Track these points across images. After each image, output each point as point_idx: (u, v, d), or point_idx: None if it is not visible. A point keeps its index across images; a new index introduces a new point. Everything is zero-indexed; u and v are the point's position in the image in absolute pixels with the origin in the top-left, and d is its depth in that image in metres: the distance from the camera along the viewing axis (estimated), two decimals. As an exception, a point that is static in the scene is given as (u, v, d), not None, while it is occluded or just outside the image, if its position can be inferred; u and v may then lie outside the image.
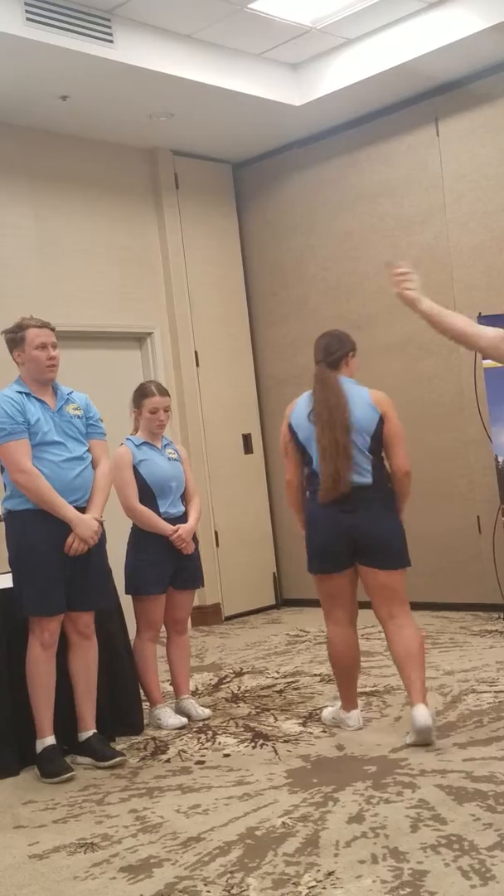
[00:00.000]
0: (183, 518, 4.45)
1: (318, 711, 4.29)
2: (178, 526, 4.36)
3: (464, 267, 6.24)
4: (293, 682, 4.82)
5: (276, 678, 5.03)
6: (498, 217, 6.05)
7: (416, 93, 6.30)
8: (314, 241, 7.05)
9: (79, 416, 3.98)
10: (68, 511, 3.82)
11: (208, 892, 2.68)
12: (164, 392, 4.48)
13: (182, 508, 4.47)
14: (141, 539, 4.37)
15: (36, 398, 3.88)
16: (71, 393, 4.02)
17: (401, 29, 5.75)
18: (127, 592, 4.36)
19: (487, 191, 6.10)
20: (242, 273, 7.41)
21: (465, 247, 6.23)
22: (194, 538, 4.47)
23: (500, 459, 5.48)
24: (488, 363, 5.46)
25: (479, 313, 5.62)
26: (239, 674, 5.23)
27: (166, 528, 4.32)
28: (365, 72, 5.97)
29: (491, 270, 6.11)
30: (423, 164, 6.39)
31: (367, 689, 4.52)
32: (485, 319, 5.54)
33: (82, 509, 3.88)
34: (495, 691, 4.30)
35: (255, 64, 6.05)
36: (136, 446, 4.42)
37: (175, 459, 4.49)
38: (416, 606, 6.34)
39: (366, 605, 4.09)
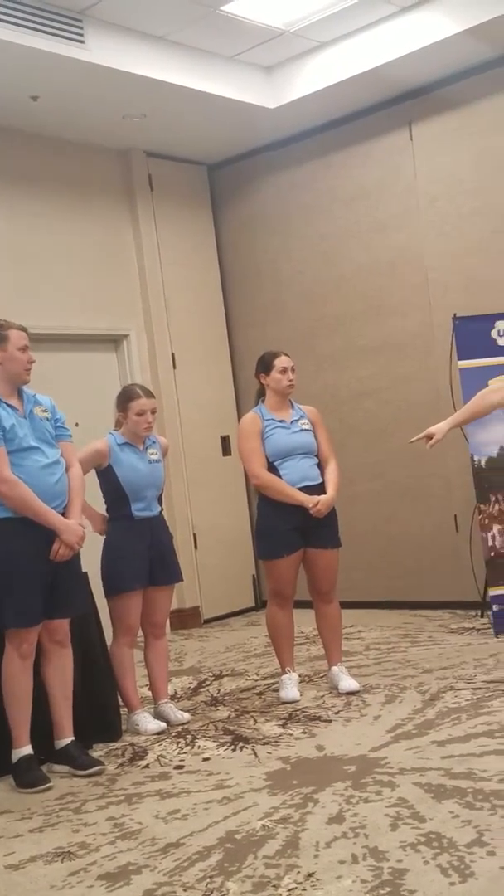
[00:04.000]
0: (159, 517, 4.44)
1: (298, 713, 4.29)
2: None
3: (439, 269, 6.26)
4: (273, 684, 4.81)
5: (256, 680, 5.03)
6: (472, 220, 6.08)
7: (390, 96, 6.31)
8: (290, 244, 7.06)
9: (47, 419, 3.93)
10: (54, 518, 3.78)
11: (188, 896, 2.67)
12: (149, 394, 4.47)
13: (159, 510, 4.45)
14: (112, 537, 4.36)
15: (6, 403, 3.84)
16: (35, 395, 3.98)
17: (374, 33, 5.77)
18: (107, 595, 4.34)
19: (462, 194, 6.12)
20: (219, 275, 7.41)
21: (440, 250, 6.26)
22: (168, 532, 4.49)
23: (476, 459, 5.50)
24: (464, 363, 5.49)
25: (455, 314, 5.65)
26: (218, 677, 5.22)
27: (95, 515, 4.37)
28: (338, 75, 5.98)
29: (466, 273, 6.14)
30: (398, 167, 6.41)
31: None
32: (460, 321, 5.59)
33: (63, 514, 3.86)
34: (473, 688, 4.31)
35: (228, 66, 6.05)
36: (118, 445, 4.39)
37: (156, 461, 4.46)
38: (394, 605, 6.45)
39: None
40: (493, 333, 5.53)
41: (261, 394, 4.70)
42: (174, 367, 6.98)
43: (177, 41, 5.70)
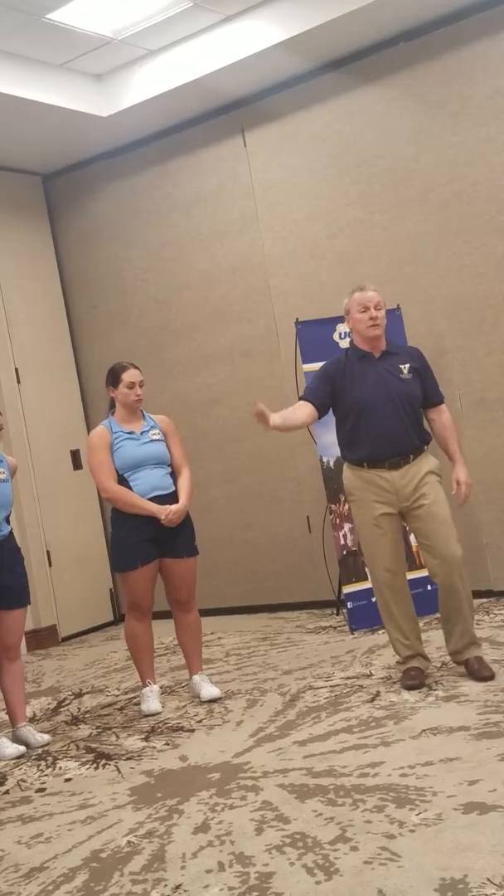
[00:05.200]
0: (9, 537, 4.33)
1: (160, 725, 4.26)
2: None
3: (279, 274, 6.36)
4: (134, 698, 4.76)
5: (117, 695, 4.96)
6: (308, 225, 6.21)
7: (221, 104, 6.37)
8: (131, 253, 7.02)
9: None
10: None
11: (53, 922, 2.61)
12: None
13: (7, 531, 4.33)
14: None
15: None
16: None
17: (200, 41, 5.80)
18: None
19: (296, 199, 6.24)
20: (60, 285, 7.29)
21: (278, 254, 6.36)
22: (18, 554, 4.38)
23: (324, 460, 5.61)
24: (309, 367, 5.59)
25: (297, 319, 5.76)
26: (78, 695, 5.12)
27: None
28: (168, 83, 5.98)
29: (304, 277, 6.26)
30: (233, 174, 6.48)
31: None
32: (302, 325, 5.69)
33: None
34: (331, 686, 4.39)
35: (57, 74, 5.96)
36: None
37: (4, 481, 4.35)
38: (253, 609, 6.51)
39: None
40: (335, 336, 5.66)
41: (113, 404, 4.66)
42: (18, 381, 6.82)
43: (2, 49, 5.57)
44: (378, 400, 4.09)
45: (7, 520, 4.35)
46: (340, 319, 5.65)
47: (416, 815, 2.85)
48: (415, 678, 4.12)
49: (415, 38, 5.70)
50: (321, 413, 4.22)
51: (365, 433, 4.11)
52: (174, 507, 4.45)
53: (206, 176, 6.60)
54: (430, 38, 5.66)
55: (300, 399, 4.25)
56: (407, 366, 4.18)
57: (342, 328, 5.65)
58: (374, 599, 5.39)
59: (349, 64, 5.93)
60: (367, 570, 4.52)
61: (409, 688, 4.09)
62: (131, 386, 4.54)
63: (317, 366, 5.46)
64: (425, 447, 4.19)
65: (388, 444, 4.08)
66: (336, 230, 6.11)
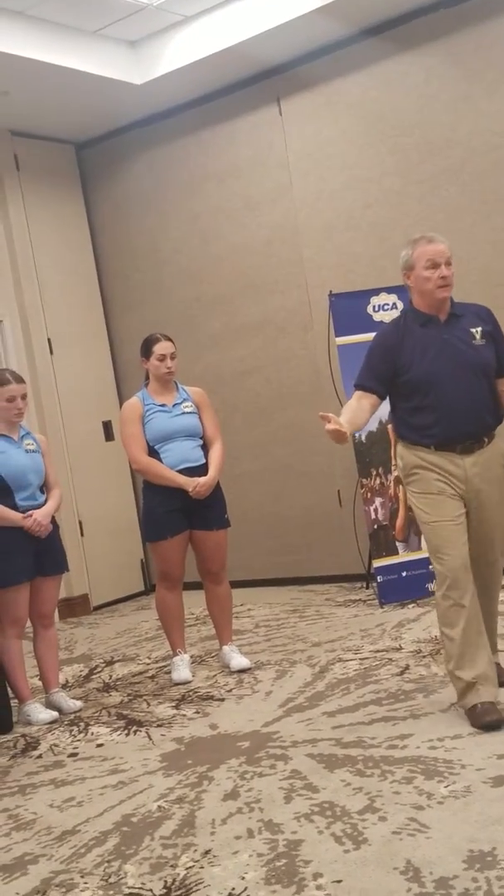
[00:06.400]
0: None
1: (190, 694, 4.30)
2: (30, 512, 4.25)
3: (313, 246, 6.31)
4: (165, 667, 4.81)
5: (148, 664, 5.01)
6: (342, 195, 6.15)
7: (257, 72, 6.31)
8: (165, 223, 7.00)
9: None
10: None
11: (85, 883, 2.65)
12: (19, 379, 4.37)
13: (42, 500, 4.36)
14: None
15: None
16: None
17: (236, 7, 5.74)
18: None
19: (331, 169, 6.18)
20: (93, 256, 7.29)
21: (313, 226, 6.31)
22: (54, 522, 4.40)
23: (356, 435, 5.58)
24: (342, 340, 5.56)
25: (330, 291, 5.72)
26: (110, 663, 5.18)
27: (14, 517, 4.22)
28: (204, 50, 5.93)
29: (338, 249, 6.21)
30: (268, 143, 6.42)
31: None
32: (336, 298, 5.65)
33: None
34: (360, 658, 4.40)
35: (91, 41, 5.93)
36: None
37: (34, 451, 4.38)
38: (283, 582, 6.53)
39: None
40: (369, 309, 5.62)
41: (148, 376, 4.67)
42: (51, 352, 6.84)
43: (36, 16, 5.55)
44: (447, 373, 3.42)
45: (41, 489, 4.39)
46: (374, 292, 5.63)
47: (445, 787, 2.86)
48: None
49: (455, 4, 5.60)
50: (384, 398, 3.58)
51: (432, 414, 3.43)
52: (202, 479, 4.45)
53: (241, 145, 6.55)
54: (470, 5, 5.56)
55: (356, 387, 3.57)
56: (479, 329, 3.49)
57: (376, 301, 5.61)
58: (404, 574, 5.43)
59: (387, 31, 5.84)
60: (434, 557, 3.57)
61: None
62: (162, 358, 4.54)
63: (350, 339, 5.47)
64: (496, 428, 3.55)
65: (460, 426, 3.42)
66: (371, 201, 6.05)
